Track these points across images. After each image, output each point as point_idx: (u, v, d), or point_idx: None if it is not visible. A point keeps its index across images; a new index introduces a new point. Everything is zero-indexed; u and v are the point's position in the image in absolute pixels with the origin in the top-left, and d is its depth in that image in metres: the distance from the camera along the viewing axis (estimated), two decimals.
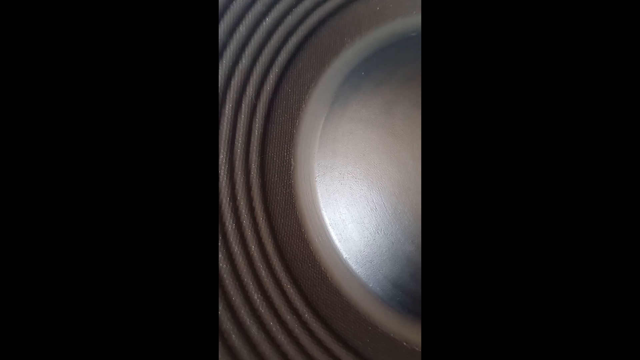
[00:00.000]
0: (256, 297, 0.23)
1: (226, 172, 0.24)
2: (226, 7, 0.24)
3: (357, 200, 0.26)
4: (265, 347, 0.22)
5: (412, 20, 0.24)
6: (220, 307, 0.22)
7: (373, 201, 0.27)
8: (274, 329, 0.23)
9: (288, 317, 0.23)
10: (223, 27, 0.24)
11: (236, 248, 0.23)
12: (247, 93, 0.24)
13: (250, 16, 0.24)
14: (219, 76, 0.24)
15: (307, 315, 0.23)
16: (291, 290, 0.24)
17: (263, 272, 0.23)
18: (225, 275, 0.23)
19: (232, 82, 0.24)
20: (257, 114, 0.24)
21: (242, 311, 0.22)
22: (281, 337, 0.23)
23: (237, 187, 0.24)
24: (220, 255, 0.23)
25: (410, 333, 0.23)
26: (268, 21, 0.24)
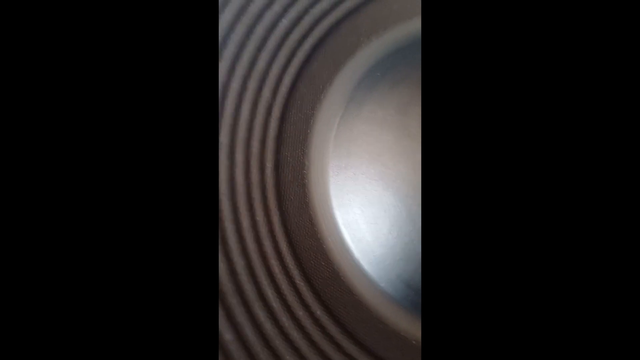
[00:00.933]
0: (269, 292, 0.24)
1: (242, 171, 0.25)
2: (244, 8, 0.25)
3: (371, 200, 0.27)
4: (278, 342, 0.23)
5: None
6: (234, 302, 0.23)
7: (387, 202, 0.27)
8: (286, 324, 0.23)
9: (300, 313, 0.24)
10: (240, 28, 0.25)
11: (251, 245, 0.24)
12: (263, 93, 0.25)
13: (267, 17, 0.25)
14: (236, 77, 0.25)
15: (319, 312, 0.24)
16: (304, 288, 0.25)
17: (276, 269, 0.24)
18: (240, 271, 0.24)
19: (249, 83, 0.25)
20: (273, 114, 0.25)
21: (256, 306, 0.23)
22: (294, 333, 0.23)
23: (252, 185, 0.25)
24: (235, 252, 0.24)
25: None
26: (284, 22, 0.25)
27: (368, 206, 0.27)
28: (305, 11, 0.25)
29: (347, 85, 0.25)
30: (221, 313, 0.23)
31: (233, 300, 0.23)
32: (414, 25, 0.25)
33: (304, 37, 0.25)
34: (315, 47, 0.25)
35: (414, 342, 0.24)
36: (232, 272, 0.24)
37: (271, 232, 0.25)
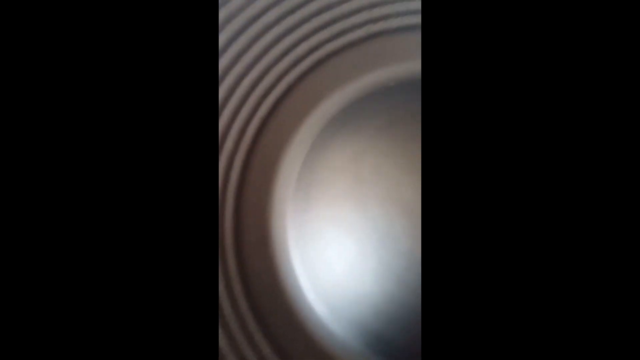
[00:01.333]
0: (220, 335, 0.25)
1: None
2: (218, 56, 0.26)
3: (327, 243, 0.29)
4: None
5: (388, 72, 0.26)
6: None
7: (342, 245, 0.29)
8: None
9: (249, 352, 0.25)
10: None
11: None
12: (226, 144, 0.26)
13: (233, 73, 0.26)
14: None
15: (268, 350, 0.25)
16: (256, 328, 0.26)
17: (229, 311, 0.25)
18: None
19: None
20: (235, 162, 0.27)
21: None
22: None
23: None
24: None
25: None
26: (249, 78, 0.26)
27: (324, 248, 0.28)
28: (268, 69, 0.27)
29: (310, 134, 0.26)
30: None
31: None
32: (373, 77, 0.26)
33: (271, 89, 0.27)
34: (280, 100, 0.27)
35: None
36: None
37: (226, 274, 0.26)
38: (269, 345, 0.26)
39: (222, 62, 0.26)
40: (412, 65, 0.25)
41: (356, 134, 0.29)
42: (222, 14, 0.26)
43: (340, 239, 0.29)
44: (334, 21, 0.26)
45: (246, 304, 0.26)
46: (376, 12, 0.25)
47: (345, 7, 0.25)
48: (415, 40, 0.25)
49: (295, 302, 0.26)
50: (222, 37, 0.26)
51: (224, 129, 0.26)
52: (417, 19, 0.25)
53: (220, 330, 0.25)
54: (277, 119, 0.27)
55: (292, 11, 0.26)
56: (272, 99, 0.27)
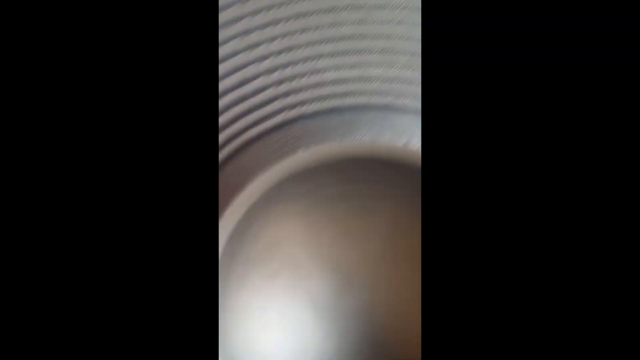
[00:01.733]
0: None
1: None
2: None
3: (247, 336, 0.29)
4: None
5: (308, 153, 0.26)
6: None
7: (260, 339, 0.29)
8: None
9: None
10: None
11: None
12: None
13: None
14: None
15: None
16: None
17: None
18: None
19: None
20: None
21: None
22: None
23: None
24: None
25: None
26: None
27: (245, 342, 0.28)
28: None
29: (234, 224, 0.27)
30: None
31: None
32: (291, 162, 0.26)
33: None
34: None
35: None
36: None
37: None
38: None
39: None
40: (331, 146, 0.26)
41: (273, 221, 0.29)
42: None
43: (259, 333, 0.29)
44: (249, 111, 0.27)
45: None
46: (291, 99, 0.27)
47: (259, 97, 0.27)
48: (333, 122, 0.27)
49: None
50: None
51: None
52: (334, 103, 0.27)
53: None
54: None
55: None
56: None
